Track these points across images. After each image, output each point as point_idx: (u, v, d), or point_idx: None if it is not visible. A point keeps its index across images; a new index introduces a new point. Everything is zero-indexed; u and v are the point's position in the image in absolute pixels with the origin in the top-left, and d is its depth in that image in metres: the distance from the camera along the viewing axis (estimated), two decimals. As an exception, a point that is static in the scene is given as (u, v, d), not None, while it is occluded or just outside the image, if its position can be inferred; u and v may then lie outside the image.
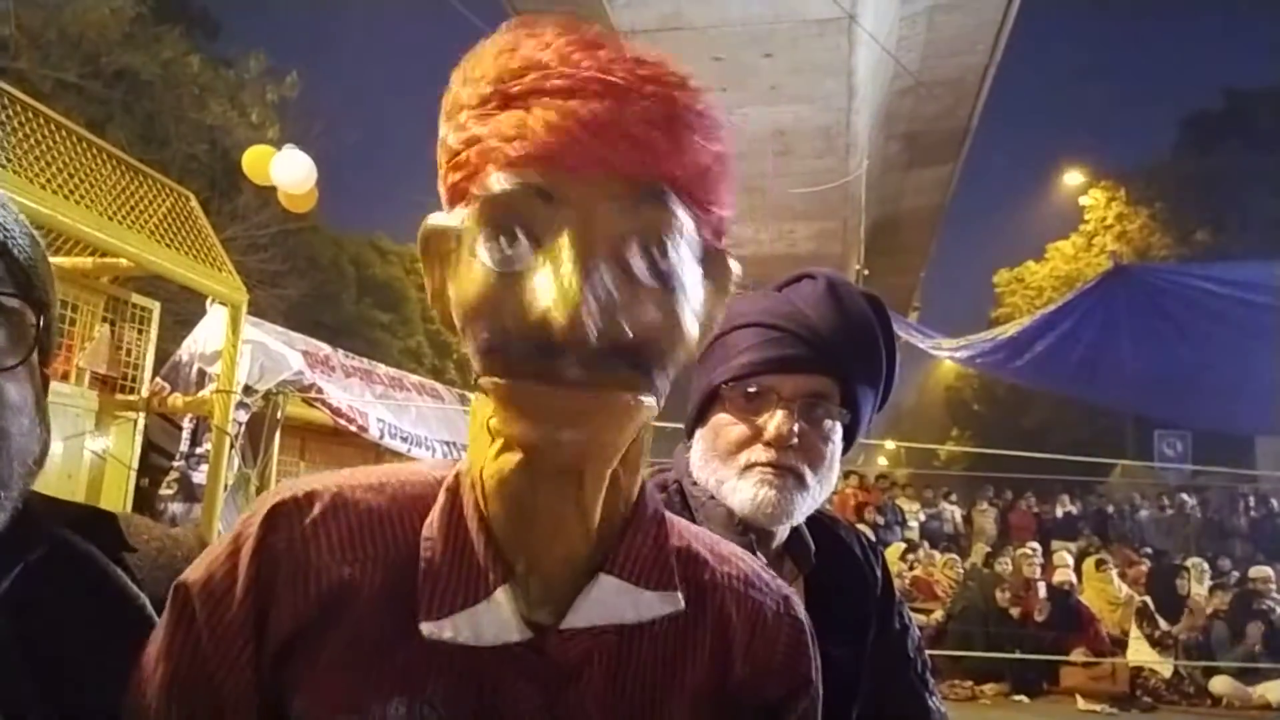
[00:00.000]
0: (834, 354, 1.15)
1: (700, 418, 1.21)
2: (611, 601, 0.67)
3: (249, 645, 0.64)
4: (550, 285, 0.57)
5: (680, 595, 0.69)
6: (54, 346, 0.80)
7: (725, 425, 1.16)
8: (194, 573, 0.66)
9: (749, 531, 1.12)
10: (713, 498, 1.16)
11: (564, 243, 0.58)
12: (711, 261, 0.67)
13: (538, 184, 0.59)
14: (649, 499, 0.72)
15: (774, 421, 1.12)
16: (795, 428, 1.11)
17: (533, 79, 0.60)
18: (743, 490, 1.11)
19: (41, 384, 0.76)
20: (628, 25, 9.46)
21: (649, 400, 0.61)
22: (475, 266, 0.61)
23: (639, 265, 0.60)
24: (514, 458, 0.63)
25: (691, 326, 0.63)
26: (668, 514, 0.74)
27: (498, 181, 0.59)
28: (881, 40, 10.13)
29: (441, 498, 0.69)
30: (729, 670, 0.72)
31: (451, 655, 0.64)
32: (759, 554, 1.10)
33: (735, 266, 0.70)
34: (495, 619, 0.64)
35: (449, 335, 0.66)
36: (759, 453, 1.12)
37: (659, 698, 0.69)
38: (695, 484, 1.19)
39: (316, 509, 0.67)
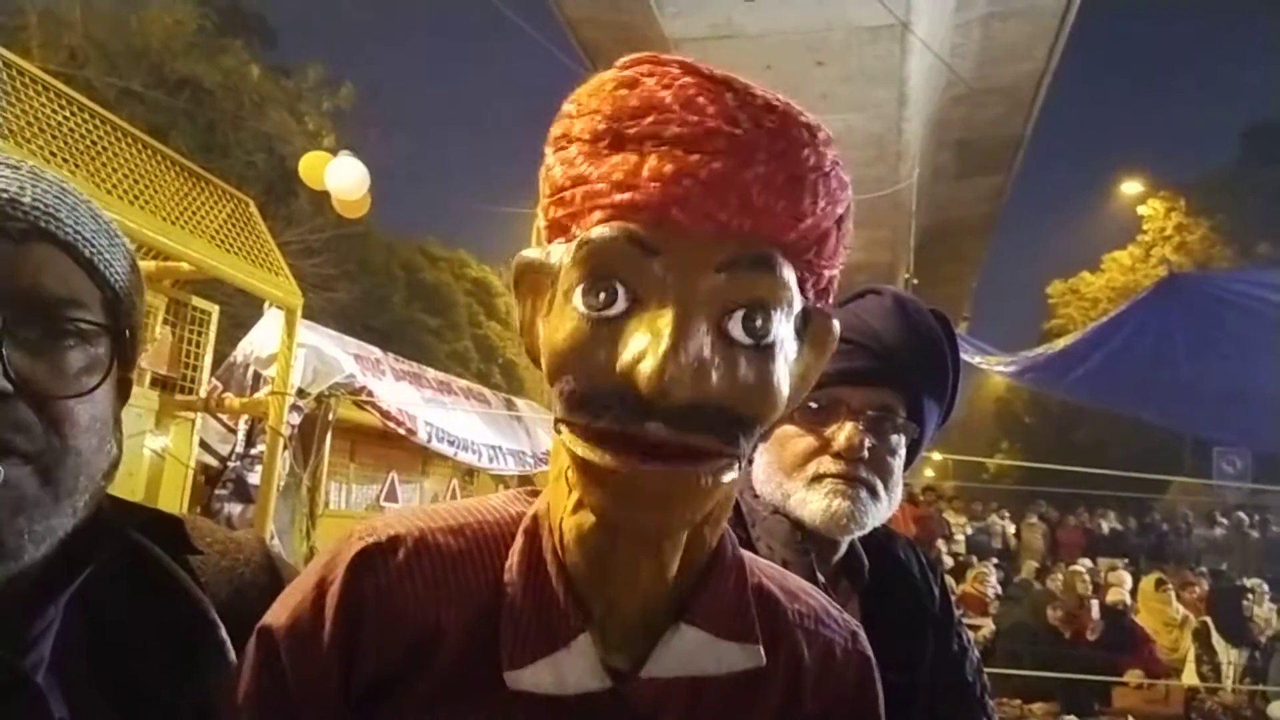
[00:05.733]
0: (902, 368, 1.13)
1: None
2: (692, 653, 0.66)
3: (335, 690, 0.64)
4: (644, 347, 0.54)
5: (761, 650, 0.67)
6: (138, 356, 0.82)
7: (791, 437, 1.14)
8: (278, 617, 0.66)
9: (809, 550, 1.11)
10: (775, 512, 1.14)
11: (664, 305, 0.55)
12: (813, 321, 0.64)
13: (643, 238, 0.56)
14: (728, 543, 0.70)
15: (844, 433, 1.10)
16: (865, 440, 1.10)
17: (651, 122, 0.56)
18: (813, 501, 1.09)
19: (121, 393, 0.78)
20: (679, 33, 9.47)
21: (729, 477, 0.58)
22: (569, 313, 0.58)
23: (738, 332, 0.57)
24: (591, 517, 0.62)
25: (784, 391, 0.60)
26: (743, 552, 0.73)
27: (601, 230, 0.57)
28: (935, 47, 10.01)
29: (519, 540, 0.68)
30: (799, 707, 0.71)
31: (533, 698, 0.63)
32: (818, 572, 1.09)
33: (836, 328, 0.66)
34: (577, 666, 0.64)
35: (535, 368, 0.64)
36: (828, 464, 1.10)
37: None
38: (757, 498, 1.17)
39: (401, 554, 0.66)
